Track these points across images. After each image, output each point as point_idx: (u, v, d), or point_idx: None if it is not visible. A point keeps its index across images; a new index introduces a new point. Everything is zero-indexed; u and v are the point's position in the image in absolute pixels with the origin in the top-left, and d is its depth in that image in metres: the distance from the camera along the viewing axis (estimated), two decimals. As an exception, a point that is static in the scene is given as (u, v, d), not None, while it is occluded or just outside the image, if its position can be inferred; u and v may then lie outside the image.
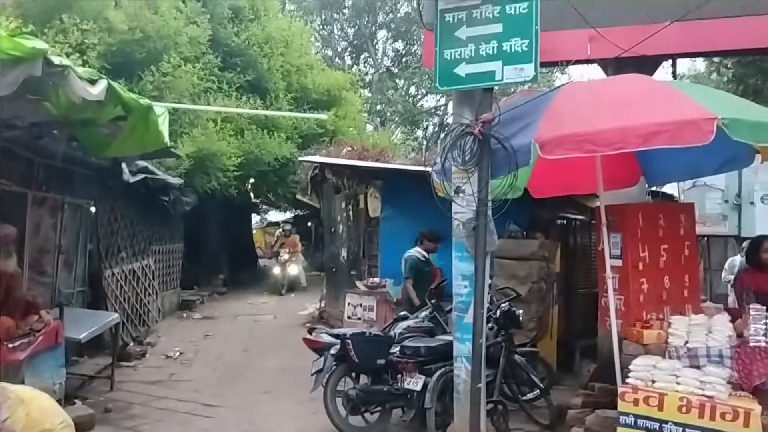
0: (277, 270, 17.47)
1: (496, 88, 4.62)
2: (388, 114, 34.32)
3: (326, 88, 18.62)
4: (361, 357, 5.67)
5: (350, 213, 10.67)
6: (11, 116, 5.88)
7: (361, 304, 8.92)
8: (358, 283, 9.39)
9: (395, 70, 34.99)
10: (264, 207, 28.76)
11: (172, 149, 8.57)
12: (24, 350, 5.09)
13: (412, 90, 35.58)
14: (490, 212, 4.40)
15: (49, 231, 7.47)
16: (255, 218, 28.93)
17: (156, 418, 6.41)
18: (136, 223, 10.61)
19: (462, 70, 4.50)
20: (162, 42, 12.58)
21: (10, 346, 4.93)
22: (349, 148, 10.25)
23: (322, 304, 12.56)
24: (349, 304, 9.06)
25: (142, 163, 10.01)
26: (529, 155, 4.12)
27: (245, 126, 14.98)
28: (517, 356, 5.99)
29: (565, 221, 9.89)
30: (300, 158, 10.68)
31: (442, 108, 35.90)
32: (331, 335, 5.98)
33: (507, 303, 6.06)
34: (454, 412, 4.63)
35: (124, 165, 9.21)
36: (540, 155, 4.08)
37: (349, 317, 9.04)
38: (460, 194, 4.40)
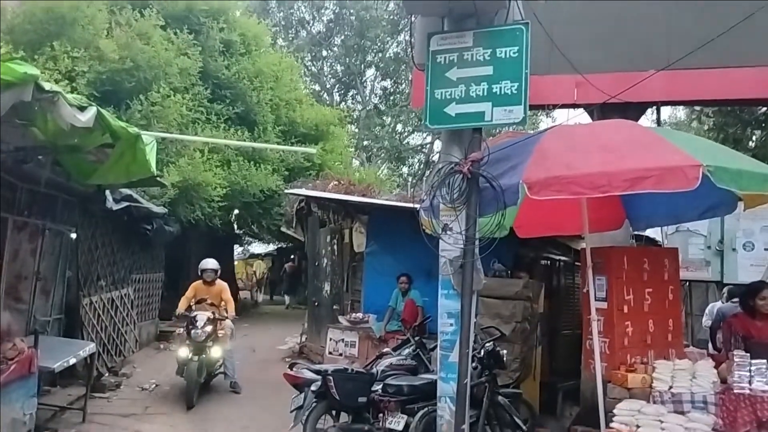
0: (183, 352, 8.45)
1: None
2: (375, 150, 34.60)
3: (314, 122, 18.75)
4: (342, 394, 5.58)
5: (335, 247, 10.62)
6: (-5, 140, 5.84)
7: (343, 340, 8.82)
8: (340, 318, 9.30)
9: (382, 108, 35.39)
10: (247, 239, 28.61)
11: (158, 178, 8.51)
12: (-5, 379, 4.95)
13: (399, 127, 35.97)
14: (477, 251, 4.39)
15: (28, 257, 7.34)
16: (237, 249, 28.66)
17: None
18: (117, 251, 10.47)
19: (452, 109, 4.55)
20: (152, 72, 12.64)
21: (-20, 374, 4.79)
22: (336, 182, 10.26)
23: (303, 339, 12.40)
24: (330, 339, 8.96)
25: (126, 191, 9.92)
26: (517, 195, 4.14)
27: (232, 157, 14.98)
28: (500, 397, 5.92)
29: (548, 261, 9.93)
30: (286, 191, 10.67)
31: (428, 145, 36.31)
32: (312, 371, 5.88)
33: (491, 342, 6.01)
34: (436, 453, 4.53)
35: (107, 192, 9.13)
36: (528, 195, 4.10)
37: (330, 353, 8.93)
38: (448, 232, 4.38)
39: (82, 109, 4.59)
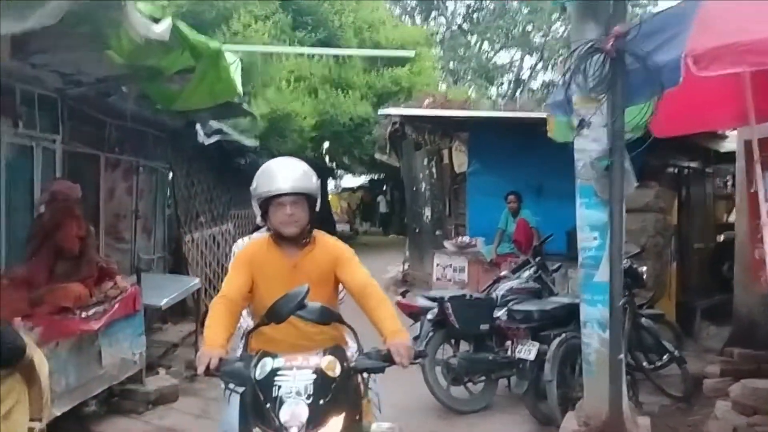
0: None
1: None
2: (461, 72, 33.21)
3: (400, 43, 17.82)
4: (462, 322, 5.05)
5: (433, 170, 9.98)
6: (75, 71, 5.50)
7: (450, 265, 8.28)
8: (446, 243, 8.74)
9: (467, 27, 33.70)
10: (339, 172, 28.47)
11: (244, 106, 8.09)
12: (99, 319, 4.72)
13: (485, 46, 34.31)
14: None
15: (125, 195, 7.17)
16: (330, 184, 28.53)
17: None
18: (213, 187, 10.29)
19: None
20: (232, 1, 12.19)
21: (84, 315, 4.56)
22: (431, 99, 9.51)
23: (406, 267, 12.02)
24: (437, 265, 8.44)
25: (216, 125, 9.60)
26: (677, 73, 3.28)
27: (318, 85, 14.46)
28: (643, 319, 5.20)
29: (676, 169, 8.86)
30: (380, 112, 10.04)
31: (517, 62, 34.54)
32: (428, 298, 5.36)
33: (628, 260, 5.24)
34: (582, 385, 3.92)
35: (198, 126, 8.83)
36: (694, 72, 3.24)
37: (438, 279, 8.43)
38: (587, 128, 3.62)
39: (156, 21, 4.08)
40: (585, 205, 3.75)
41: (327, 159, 21.72)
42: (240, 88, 5.31)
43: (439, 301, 5.19)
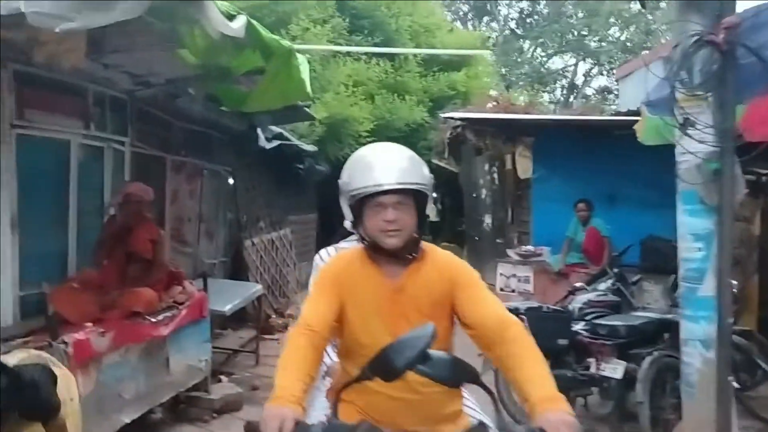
0: None
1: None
2: (514, 77, 32.75)
3: (456, 48, 17.63)
4: (538, 335, 4.68)
5: (495, 176, 9.71)
6: (145, 71, 5.48)
7: (515, 275, 7.99)
8: (509, 251, 8.44)
9: (520, 32, 33.28)
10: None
11: (307, 108, 8.01)
12: (167, 325, 4.66)
13: (539, 51, 33.80)
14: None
15: (189, 199, 7.15)
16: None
17: (305, 398, 5.87)
18: (272, 192, 10.26)
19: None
20: (291, 5, 12.19)
21: (153, 320, 4.49)
22: (494, 103, 9.24)
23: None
24: (501, 274, 8.15)
25: (276, 129, 9.60)
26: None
27: (375, 90, 14.34)
28: (733, 336, 4.83)
29: (755, 176, 8.35)
30: (442, 115, 9.83)
31: (571, 68, 33.94)
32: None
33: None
34: (675, 407, 3.62)
35: (259, 130, 8.81)
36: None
37: (501, 289, 8.13)
38: (690, 128, 3.33)
39: (231, 18, 3.99)
40: (688, 212, 3.45)
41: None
42: (310, 89, 5.20)
43: (514, 312, 4.91)
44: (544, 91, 33.68)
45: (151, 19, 3.72)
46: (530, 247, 8.18)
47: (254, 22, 4.25)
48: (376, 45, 15.11)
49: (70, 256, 4.87)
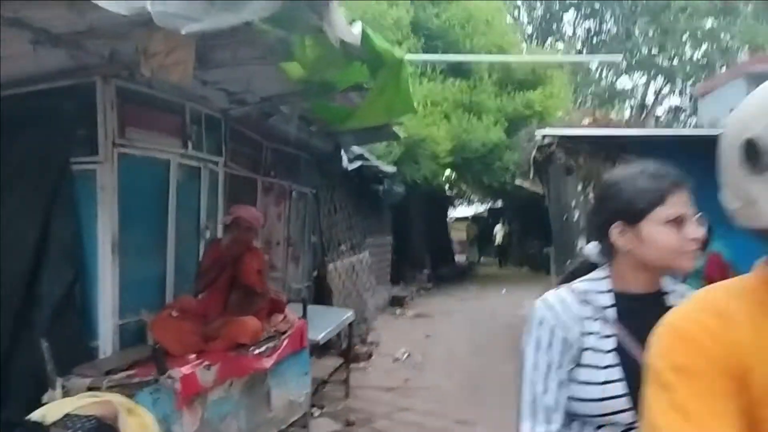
0: None
1: None
2: (582, 97, 32.01)
3: (531, 67, 17.10)
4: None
5: (590, 196, 9.08)
6: (242, 89, 5.23)
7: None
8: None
9: (586, 52, 32.60)
10: (456, 200, 27.81)
11: (396, 127, 7.67)
12: (270, 356, 4.32)
13: (604, 71, 33.02)
14: None
15: (276, 221, 6.87)
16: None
17: (407, 437, 5.43)
18: (353, 214, 9.96)
19: None
20: (367, 25, 11.97)
21: (256, 352, 4.15)
22: (591, 119, 8.69)
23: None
24: (606, 302, 7.51)
25: (357, 150, 9.32)
26: None
27: (450, 110, 13.98)
28: None
29: None
30: (537, 132, 9.34)
31: (641, 87, 33.06)
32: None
33: None
34: None
35: (342, 151, 8.54)
36: None
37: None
38: None
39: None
40: None
41: (446, 187, 21.15)
42: (415, 103, 4.83)
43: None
44: (612, 110, 32.78)
45: (266, 27, 3.43)
46: (636, 273, 7.51)
47: (367, 28, 3.92)
48: (449, 65, 14.81)
49: (168, 281, 4.60)
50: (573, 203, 9.80)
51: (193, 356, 3.79)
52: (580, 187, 9.48)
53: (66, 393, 3.43)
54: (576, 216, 9.71)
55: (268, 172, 6.59)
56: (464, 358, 8.52)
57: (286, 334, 4.57)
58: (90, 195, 4.05)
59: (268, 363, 4.26)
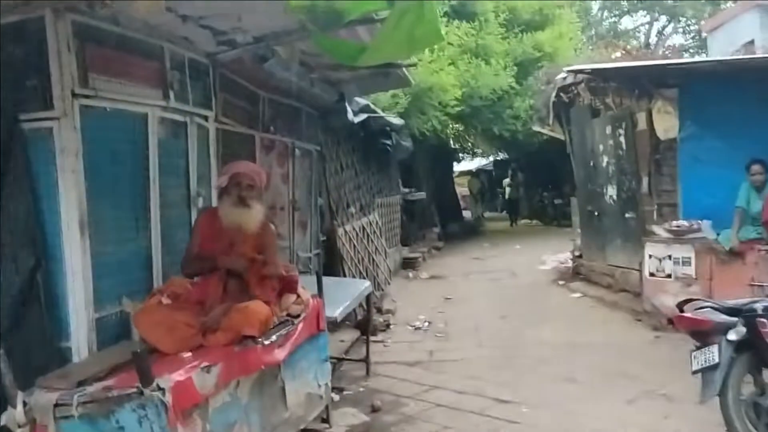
0: None
1: None
2: (584, 38, 30.91)
3: (537, 7, 16.07)
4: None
5: (620, 139, 8.25)
6: (231, 27, 4.36)
7: (669, 256, 6.60)
8: (656, 228, 7.03)
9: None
10: (461, 154, 26.84)
11: (408, 69, 6.78)
12: (283, 346, 3.55)
13: (606, 12, 31.92)
14: None
15: (281, 184, 6.06)
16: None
17: (444, 424, 4.70)
18: (360, 173, 9.13)
19: None
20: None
21: (266, 342, 3.39)
22: (622, 52, 7.78)
23: (574, 256, 10.38)
24: (651, 256, 6.77)
25: (362, 101, 8.44)
26: None
27: (456, 55, 12.99)
28: None
29: None
30: (565, 69, 8.42)
31: (644, 27, 32.04)
32: (724, 310, 3.79)
33: None
34: None
35: (346, 103, 7.65)
36: None
37: (652, 274, 6.77)
38: None
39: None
40: None
41: (451, 140, 20.21)
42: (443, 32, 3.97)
43: (747, 314, 3.62)
44: (614, 53, 31.62)
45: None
46: (683, 222, 6.76)
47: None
48: (452, 8, 13.80)
49: (154, 261, 3.82)
50: (601, 148, 8.97)
51: (188, 355, 3.03)
52: (609, 130, 8.64)
53: (29, 412, 2.69)
54: (605, 162, 8.89)
55: (267, 127, 5.75)
56: (490, 323, 7.80)
57: (301, 318, 3.80)
58: (47, 160, 3.25)
59: (281, 354, 3.50)
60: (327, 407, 4.26)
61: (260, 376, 3.44)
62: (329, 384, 4.27)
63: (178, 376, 2.79)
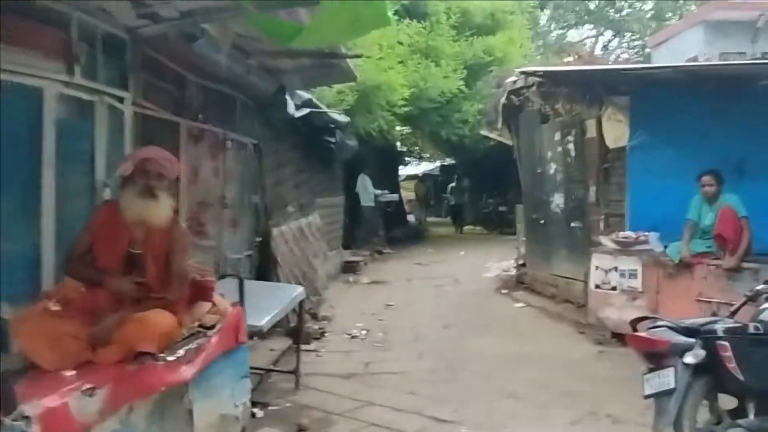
0: None
1: None
2: (532, 48, 31.30)
3: (489, 10, 15.95)
4: (751, 372, 3.20)
5: (569, 146, 8.06)
6: (151, -3, 3.86)
7: (615, 268, 6.39)
8: (603, 239, 6.82)
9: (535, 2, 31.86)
10: (407, 158, 26.59)
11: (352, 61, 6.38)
12: (191, 362, 3.07)
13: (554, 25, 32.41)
14: None
15: (211, 177, 5.54)
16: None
17: (376, 447, 4.30)
18: (300, 171, 8.66)
19: None
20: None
21: (170, 358, 2.91)
22: (574, 56, 7.58)
23: (518, 265, 10.17)
24: (597, 267, 6.55)
25: (305, 95, 7.99)
26: None
27: (406, 55, 12.67)
28: None
29: None
30: (517, 70, 8.13)
31: (590, 40, 32.59)
32: (681, 330, 3.51)
33: None
34: None
35: (287, 95, 7.18)
36: None
37: (597, 286, 6.55)
38: None
39: None
40: None
41: (398, 143, 19.92)
42: (391, 13, 3.58)
43: (706, 336, 3.35)
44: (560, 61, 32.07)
45: None
46: (630, 233, 6.56)
47: None
48: (404, 7, 13.49)
49: (44, 261, 3.28)
50: (549, 155, 8.78)
51: (71, 374, 2.54)
52: (558, 137, 8.45)
53: None
54: (552, 169, 8.70)
55: (196, 115, 5.23)
56: (432, 332, 7.45)
57: (216, 329, 3.33)
58: None
59: (189, 372, 3.03)
60: (243, 429, 3.79)
61: (162, 398, 2.96)
62: (248, 403, 3.81)
63: (51, 401, 2.30)
